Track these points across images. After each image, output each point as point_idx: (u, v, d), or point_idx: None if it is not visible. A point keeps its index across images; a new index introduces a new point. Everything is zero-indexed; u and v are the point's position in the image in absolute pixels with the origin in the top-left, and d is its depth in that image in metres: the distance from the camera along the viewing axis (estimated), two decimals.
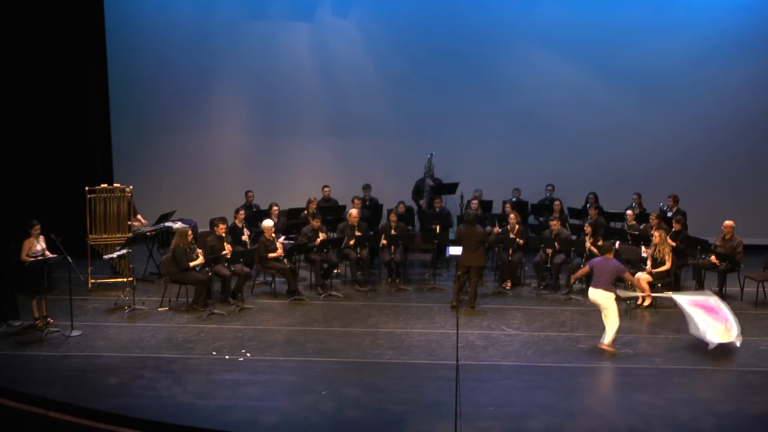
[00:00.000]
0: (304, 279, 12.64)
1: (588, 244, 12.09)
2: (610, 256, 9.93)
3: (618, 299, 9.77)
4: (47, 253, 10.65)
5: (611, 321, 9.67)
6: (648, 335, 10.30)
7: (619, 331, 10.45)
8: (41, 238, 10.67)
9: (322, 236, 12.42)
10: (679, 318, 9.93)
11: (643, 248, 11.96)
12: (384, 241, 12.62)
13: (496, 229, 12.78)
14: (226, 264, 11.61)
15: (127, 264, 12.20)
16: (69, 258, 10.52)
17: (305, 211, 13.50)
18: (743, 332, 10.40)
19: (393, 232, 12.68)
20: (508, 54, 15.10)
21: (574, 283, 11.84)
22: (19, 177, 12.86)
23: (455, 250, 11.20)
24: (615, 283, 9.78)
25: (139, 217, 13.15)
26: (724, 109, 14.83)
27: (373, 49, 15.31)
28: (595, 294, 9.70)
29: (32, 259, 10.48)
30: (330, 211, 13.81)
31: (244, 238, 12.46)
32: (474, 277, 11.39)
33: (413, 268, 13.67)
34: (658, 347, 9.91)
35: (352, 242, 12.50)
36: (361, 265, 12.68)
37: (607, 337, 9.70)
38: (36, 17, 13.37)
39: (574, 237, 12.56)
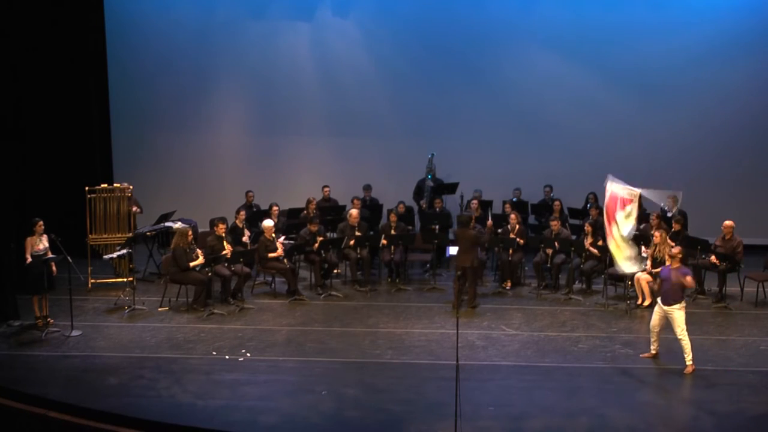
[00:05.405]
0: (304, 279, 12.63)
1: (588, 244, 12.08)
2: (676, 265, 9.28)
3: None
4: (49, 253, 10.64)
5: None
6: (648, 335, 10.27)
7: (619, 331, 10.50)
8: (44, 237, 10.66)
9: (320, 239, 12.42)
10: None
11: (643, 248, 11.94)
12: (384, 241, 12.62)
13: (489, 223, 12.73)
14: (226, 264, 11.61)
15: (127, 264, 12.21)
16: (69, 258, 10.52)
17: (305, 212, 13.50)
18: (744, 332, 10.41)
19: (393, 232, 12.68)
20: (508, 54, 15.08)
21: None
22: (19, 177, 12.83)
23: (455, 250, 11.19)
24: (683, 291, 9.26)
25: (135, 209, 13.01)
26: (724, 109, 14.79)
27: (373, 49, 15.30)
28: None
29: (34, 257, 10.49)
30: (330, 211, 13.80)
31: (245, 238, 12.45)
32: (471, 277, 11.39)
33: (413, 268, 13.67)
34: (659, 347, 9.89)
35: (352, 242, 12.50)
36: (361, 265, 12.67)
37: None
38: (36, 17, 13.36)
39: (574, 237, 12.57)
